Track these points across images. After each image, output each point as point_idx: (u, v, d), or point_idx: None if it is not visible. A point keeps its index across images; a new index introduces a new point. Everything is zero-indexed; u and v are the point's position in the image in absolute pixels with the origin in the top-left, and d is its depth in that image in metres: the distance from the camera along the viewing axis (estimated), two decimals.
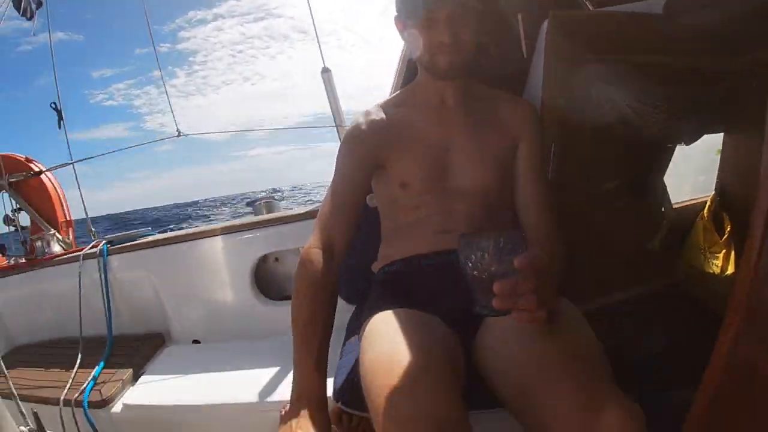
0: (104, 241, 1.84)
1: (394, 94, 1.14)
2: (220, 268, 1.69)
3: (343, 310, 1.28)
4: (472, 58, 0.99)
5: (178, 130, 2.22)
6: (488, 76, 1.11)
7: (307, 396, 0.83)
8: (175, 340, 1.75)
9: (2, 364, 0.97)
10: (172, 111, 2.44)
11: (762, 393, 0.54)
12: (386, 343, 0.81)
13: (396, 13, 1.02)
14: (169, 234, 1.80)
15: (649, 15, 1.16)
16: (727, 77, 1.31)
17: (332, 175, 1.06)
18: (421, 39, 0.98)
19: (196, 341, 1.73)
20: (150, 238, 1.80)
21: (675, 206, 1.66)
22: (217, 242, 1.67)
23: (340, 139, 1.92)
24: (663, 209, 1.46)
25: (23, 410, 0.93)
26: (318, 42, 1.78)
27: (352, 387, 0.93)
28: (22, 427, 0.90)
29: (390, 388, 0.71)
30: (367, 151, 1.03)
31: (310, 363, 0.85)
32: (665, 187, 1.49)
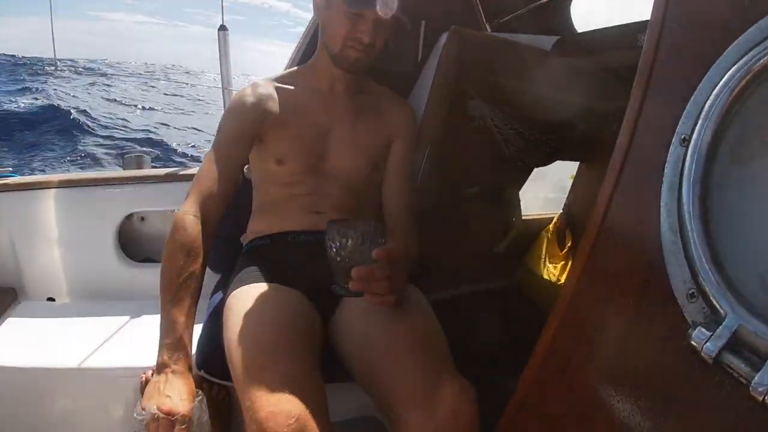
0: None
1: (288, 70, 1.16)
2: (82, 221, 1.58)
3: (210, 280, 1.30)
4: (373, 60, 1.06)
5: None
6: (380, 71, 1.17)
7: (176, 358, 0.81)
8: (28, 296, 1.60)
9: None
10: None
11: (572, 377, 0.66)
12: (250, 316, 0.86)
13: None
14: (28, 178, 1.60)
15: (538, 49, 1.30)
16: (591, 117, 1.51)
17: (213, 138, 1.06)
18: (340, 28, 1.01)
19: (50, 299, 1.60)
20: (9, 180, 1.59)
21: (526, 218, 1.90)
22: (83, 193, 1.55)
23: (224, 102, 1.88)
24: (514, 219, 1.67)
25: None
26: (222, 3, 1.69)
27: (214, 356, 0.94)
28: None
29: (252, 359, 0.77)
30: (249, 122, 1.04)
31: (180, 326, 0.84)
32: (519, 199, 1.70)
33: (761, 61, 0.48)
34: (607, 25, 1.31)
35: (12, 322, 1.43)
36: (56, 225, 1.57)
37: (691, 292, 0.51)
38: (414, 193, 1.17)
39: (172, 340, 0.82)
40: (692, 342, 0.48)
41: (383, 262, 0.78)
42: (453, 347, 0.89)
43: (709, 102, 0.52)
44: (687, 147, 0.54)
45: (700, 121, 0.53)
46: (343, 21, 1.00)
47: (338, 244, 0.79)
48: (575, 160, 1.89)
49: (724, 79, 0.51)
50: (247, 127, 1.04)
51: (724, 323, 0.46)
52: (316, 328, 0.92)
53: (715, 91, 0.52)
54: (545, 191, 2.30)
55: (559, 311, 0.68)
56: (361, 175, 1.11)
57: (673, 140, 0.56)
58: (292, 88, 1.10)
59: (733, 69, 0.51)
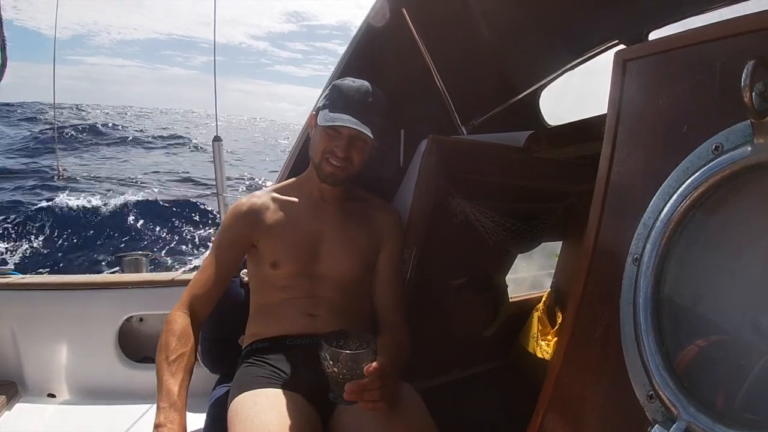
0: None
1: (285, 182, 1.27)
2: (85, 322, 1.64)
3: (207, 380, 1.34)
4: (356, 173, 1.16)
5: None
6: (366, 177, 1.26)
7: (171, 419, 0.91)
8: (29, 391, 1.63)
9: None
10: None
11: None
12: (255, 424, 0.92)
13: (314, 110, 1.16)
14: (34, 278, 1.69)
15: (512, 146, 1.42)
16: (568, 198, 1.61)
17: None
18: (320, 142, 1.12)
19: (51, 395, 1.63)
20: (11, 279, 1.66)
21: (517, 299, 1.95)
22: (85, 296, 1.63)
23: (219, 207, 1.98)
24: (501, 303, 1.72)
25: None
26: (216, 115, 1.86)
27: None
28: None
29: None
30: (243, 231, 1.14)
31: (175, 393, 0.94)
32: (506, 284, 1.76)
33: (698, 190, 0.56)
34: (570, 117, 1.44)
35: (12, 416, 1.47)
36: (58, 324, 1.63)
37: (650, 393, 0.58)
38: (404, 289, 1.24)
39: (167, 404, 0.92)
40: None
41: (374, 376, 0.85)
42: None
43: (657, 225, 0.60)
44: (638, 266, 0.62)
45: (648, 243, 0.61)
46: (323, 136, 1.12)
47: (332, 362, 0.88)
48: (557, 240, 1.98)
49: (668, 205, 0.60)
50: (241, 236, 1.14)
51: (676, 423, 0.53)
52: (316, 429, 0.98)
53: (661, 216, 0.60)
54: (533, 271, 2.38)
55: (543, 400, 0.75)
56: (353, 276, 1.17)
57: (627, 259, 0.64)
58: (286, 198, 1.20)
59: (675, 195, 0.59)
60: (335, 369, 0.87)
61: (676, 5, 1.40)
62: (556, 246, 2.05)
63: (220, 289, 1.13)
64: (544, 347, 1.91)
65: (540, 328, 1.95)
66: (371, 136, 1.08)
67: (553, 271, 2.06)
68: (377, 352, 0.91)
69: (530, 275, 2.34)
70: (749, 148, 0.52)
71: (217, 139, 1.86)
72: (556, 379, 0.74)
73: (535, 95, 1.88)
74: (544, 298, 1.99)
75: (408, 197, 1.34)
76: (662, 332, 0.59)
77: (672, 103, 0.63)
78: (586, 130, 1.21)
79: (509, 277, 1.85)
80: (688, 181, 0.58)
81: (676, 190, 0.59)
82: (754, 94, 0.48)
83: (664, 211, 0.60)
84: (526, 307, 1.93)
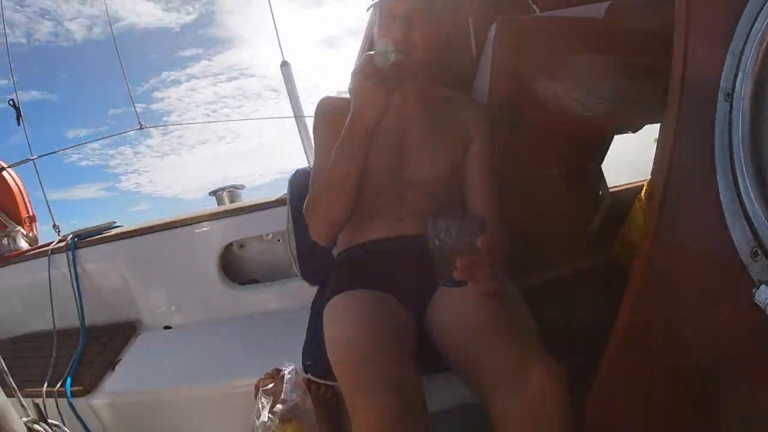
0: (71, 236, 1.87)
1: None
2: (187, 256, 1.75)
3: (306, 292, 1.38)
4: (428, 57, 1.06)
5: (140, 122, 2.24)
6: (443, 73, 1.19)
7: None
8: (147, 328, 1.80)
9: (2, 361, 0.99)
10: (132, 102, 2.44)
11: (648, 355, 0.66)
12: (347, 321, 0.92)
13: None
14: (135, 226, 1.82)
15: (592, 19, 1.27)
16: (663, 72, 1.43)
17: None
18: (380, 37, 1.04)
19: (167, 327, 1.78)
20: (116, 231, 1.82)
21: (614, 189, 1.81)
22: (184, 232, 1.72)
23: (298, 127, 2.00)
24: (601, 192, 1.60)
25: (23, 403, 0.99)
26: (278, 37, 1.85)
27: (319, 360, 1.04)
28: (24, 418, 0.96)
29: (352, 359, 0.82)
30: (334, 132, 1.08)
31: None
32: (602, 173, 1.63)
33: None
34: None
35: (135, 351, 1.63)
36: (164, 262, 1.77)
37: (754, 250, 0.49)
38: (497, 186, 1.17)
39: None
40: (756, 302, 0.46)
41: (486, 250, 0.80)
42: (550, 330, 0.90)
43: (745, 52, 0.50)
44: (731, 103, 0.52)
45: (740, 73, 0.50)
46: (381, 31, 1.04)
47: (443, 234, 0.82)
48: (658, 120, 1.79)
49: (757, 23, 0.48)
50: (335, 138, 1.08)
51: None
52: (408, 326, 0.96)
53: (749, 37, 0.49)
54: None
55: (633, 288, 0.69)
56: (441, 179, 1.13)
57: (718, 96, 0.54)
58: None
59: (762, 13, 0.48)
60: (445, 243, 0.82)
61: None
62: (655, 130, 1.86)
63: None
64: None
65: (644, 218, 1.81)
66: (422, 3, 1.01)
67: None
68: (486, 224, 0.85)
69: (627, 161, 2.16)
70: None
71: (284, 63, 1.87)
72: (648, 245, 0.66)
73: None
74: (645, 187, 1.83)
75: (484, 88, 1.25)
76: (765, 177, 0.49)
77: None
78: None
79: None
80: None
81: (765, 3, 0.47)
82: None
83: (753, 29, 0.48)
84: (628, 196, 1.79)
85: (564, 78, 1.28)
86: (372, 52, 0.93)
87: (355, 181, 1.03)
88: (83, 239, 1.83)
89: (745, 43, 0.50)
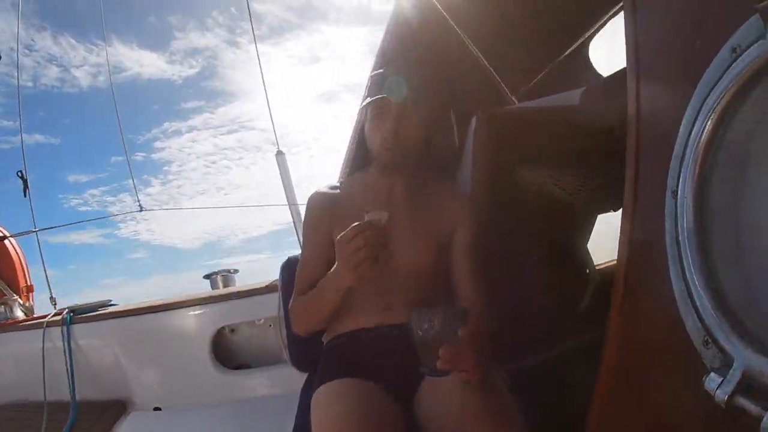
0: (67, 310, 1.89)
1: (346, 179, 1.28)
2: (180, 338, 1.77)
3: (296, 379, 1.38)
4: (415, 152, 1.14)
5: (140, 205, 2.32)
6: (428, 164, 1.25)
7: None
8: (137, 407, 1.78)
9: None
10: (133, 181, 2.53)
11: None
12: (334, 411, 0.93)
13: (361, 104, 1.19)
14: (131, 305, 1.86)
15: (567, 106, 1.35)
16: None
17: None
18: (373, 130, 1.12)
19: (157, 408, 1.76)
20: (112, 309, 1.85)
21: (603, 266, 1.84)
22: (178, 314, 1.75)
23: (291, 215, 2.07)
24: (588, 271, 1.63)
25: None
26: (274, 129, 1.96)
27: None
28: None
29: None
30: (323, 222, 1.17)
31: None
32: (588, 251, 1.66)
33: (723, 100, 0.50)
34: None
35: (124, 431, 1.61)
36: (157, 343, 1.78)
37: (705, 339, 0.52)
38: (481, 272, 1.20)
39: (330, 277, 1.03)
40: (706, 388, 0.49)
41: (469, 338, 0.83)
42: (541, 412, 0.92)
43: (687, 151, 0.54)
44: (676, 200, 0.56)
45: (683, 172, 0.55)
46: (372, 124, 1.12)
47: (425, 326, 0.86)
48: None
49: (695, 126, 0.53)
50: (322, 229, 1.16)
51: (732, 367, 0.47)
52: (396, 416, 0.97)
53: (690, 139, 0.54)
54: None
55: (602, 378, 0.72)
56: (427, 265, 1.16)
57: (666, 193, 0.58)
58: (356, 189, 1.21)
59: (701, 114, 0.53)
60: (428, 333, 0.85)
61: None
62: None
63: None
64: None
65: None
66: (411, 102, 1.08)
67: None
68: (467, 315, 0.88)
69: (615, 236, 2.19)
70: (765, 41, 0.45)
71: (279, 153, 1.96)
72: (613, 336, 0.69)
73: (585, 48, 1.78)
74: None
75: (468, 177, 1.31)
76: (711, 268, 0.53)
77: (685, 17, 0.57)
78: None
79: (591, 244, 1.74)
80: (711, 95, 0.51)
81: (700, 110, 0.53)
82: None
83: (693, 133, 0.54)
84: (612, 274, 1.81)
85: (542, 165, 1.34)
86: (364, 220, 0.95)
87: (331, 314, 1.10)
88: (78, 314, 1.85)
89: (686, 146, 0.54)
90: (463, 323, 0.84)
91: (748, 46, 0.47)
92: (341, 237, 0.95)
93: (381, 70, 1.13)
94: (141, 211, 2.34)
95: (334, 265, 1.01)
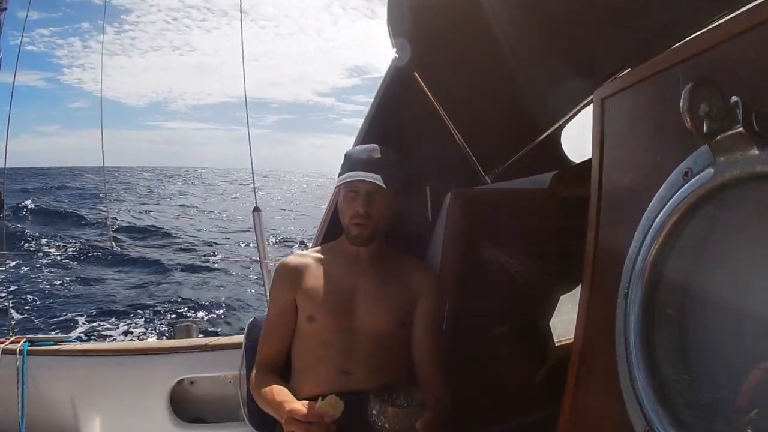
0: (25, 340, 1.84)
1: (318, 247, 1.34)
2: (138, 385, 1.74)
3: None
4: (383, 228, 1.22)
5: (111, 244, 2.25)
6: (397, 235, 1.32)
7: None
8: None
9: None
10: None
11: None
12: None
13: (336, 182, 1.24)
14: (91, 345, 1.83)
15: (537, 189, 1.42)
16: None
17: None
18: (345, 207, 1.20)
19: None
20: (72, 346, 1.80)
21: (565, 342, 1.88)
22: (140, 360, 1.73)
23: (262, 274, 2.09)
24: (548, 348, 1.67)
25: None
26: (254, 183, 1.99)
27: None
28: None
29: None
30: (288, 289, 1.23)
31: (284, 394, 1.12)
32: (549, 328, 1.71)
33: (673, 218, 0.56)
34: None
35: None
36: (114, 388, 1.74)
37: (646, 429, 0.57)
38: (441, 345, 1.25)
39: (282, 400, 1.09)
40: None
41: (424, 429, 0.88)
42: None
43: (639, 258, 0.60)
44: (627, 300, 0.62)
45: (633, 277, 0.61)
46: (344, 201, 1.21)
47: (382, 417, 0.90)
48: None
49: (648, 237, 0.59)
50: (286, 296, 1.23)
51: None
52: None
53: (643, 248, 0.60)
54: None
55: None
56: (387, 331, 1.20)
57: (618, 294, 0.64)
58: (324, 257, 1.27)
59: (653, 227, 0.59)
60: (386, 425, 0.89)
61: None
62: None
63: (286, 346, 1.25)
64: None
65: None
66: (382, 184, 1.14)
67: None
68: (424, 407, 0.92)
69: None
70: (712, 170, 0.51)
71: (256, 209, 2.00)
72: (567, 413, 0.75)
73: (557, 134, 1.89)
74: None
75: (438, 251, 1.37)
76: (654, 366, 0.58)
77: (646, 134, 0.64)
78: None
79: (555, 321, 1.79)
80: (663, 210, 0.58)
81: (653, 222, 0.59)
82: (701, 114, 0.48)
83: (645, 242, 0.60)
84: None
85: (511, 245, 1.40)
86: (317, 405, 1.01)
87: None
88: (36, 346, 1.80)
89: (637, 255, 0.59)
90: (421, 415, 0.89)
91: (699, 172, 0.54)
92: (289, 417, 1.01)
93: (357, 147, 1.20)
94: (111, 249, 2.29)
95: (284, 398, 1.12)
